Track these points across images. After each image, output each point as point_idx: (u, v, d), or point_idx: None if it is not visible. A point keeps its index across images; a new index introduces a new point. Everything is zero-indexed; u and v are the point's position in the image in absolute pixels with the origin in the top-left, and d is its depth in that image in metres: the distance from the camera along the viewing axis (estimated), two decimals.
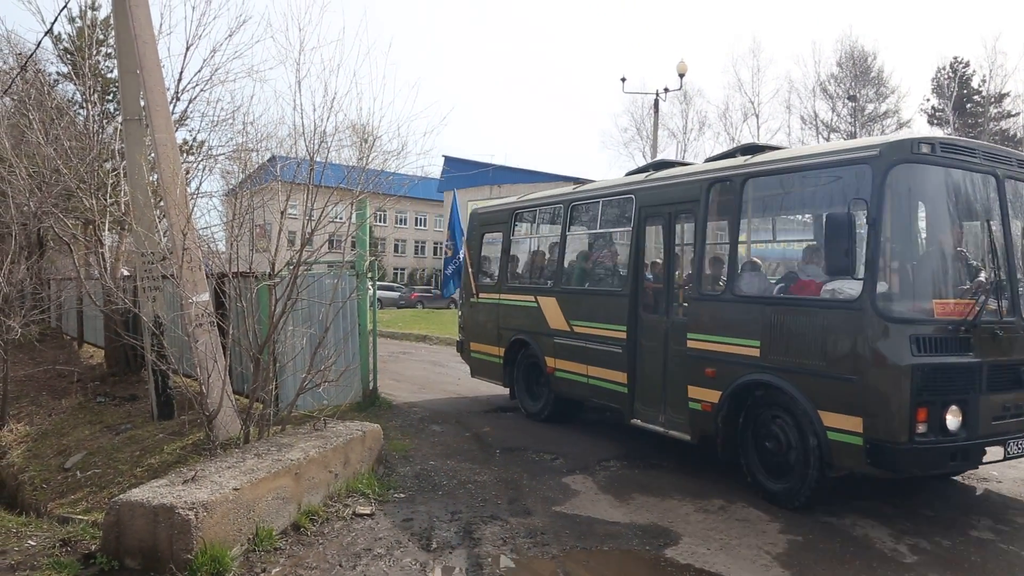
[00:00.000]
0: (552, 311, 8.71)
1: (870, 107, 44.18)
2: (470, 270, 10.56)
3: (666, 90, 30.63)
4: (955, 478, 6.94)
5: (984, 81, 42.64)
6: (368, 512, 5.78)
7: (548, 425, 9.13)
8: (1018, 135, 40.52)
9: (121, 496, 4.84)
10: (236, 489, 4.88)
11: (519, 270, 9.99)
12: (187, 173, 13.02)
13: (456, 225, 13.49)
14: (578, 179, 44.22)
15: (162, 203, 8.92)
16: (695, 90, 67.66)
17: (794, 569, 4.84)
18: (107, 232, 11.89)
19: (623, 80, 31.92)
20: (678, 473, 7.11)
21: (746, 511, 5.98)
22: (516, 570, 4.78)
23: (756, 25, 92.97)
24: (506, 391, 10.15)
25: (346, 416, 8.63)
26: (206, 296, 7.77)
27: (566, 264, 8.90)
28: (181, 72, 13.28)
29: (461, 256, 11.41)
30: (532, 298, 9.12)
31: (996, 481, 6.97)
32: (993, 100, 41.57)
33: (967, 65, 46.07)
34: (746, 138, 50.95)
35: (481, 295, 10.29)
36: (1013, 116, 41.97)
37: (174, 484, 4.93)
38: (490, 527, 5.52)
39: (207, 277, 8.04)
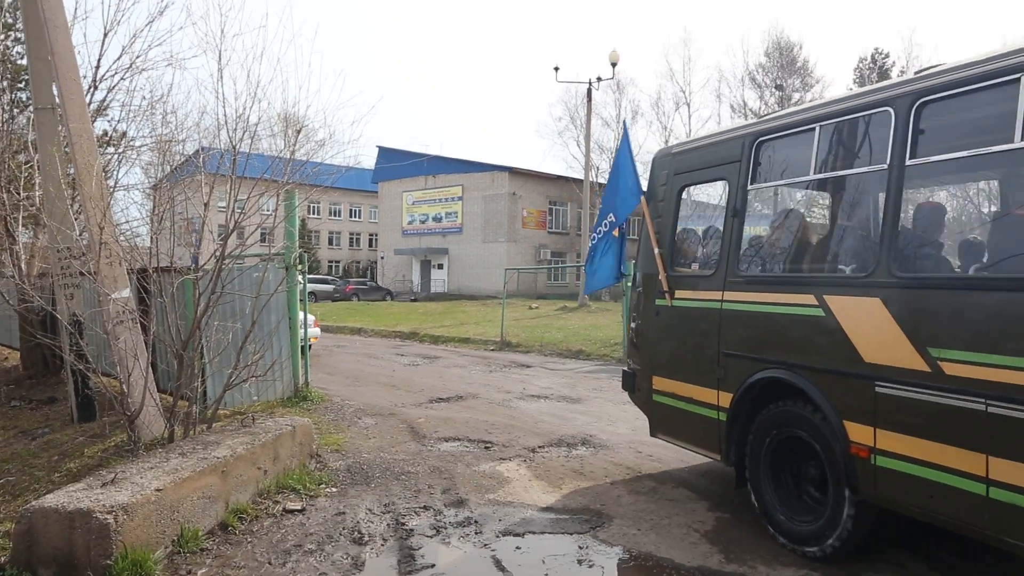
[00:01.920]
0: (872, 326, 4.31)
1: (796, 96, 45.43)
2: (657, 251, 6.16)
3: (599, 79, 30.96)
4: None
5: (902, 72, 44.29)
6: (299, 508, 5.70)
7: (483, 414, 9.12)
8: None
9: (34, 503, 4.63)
10: (159, 490, 4.74)
11: (771, 247, 5.64)
12: (107, 165, 12.54)
13: (624, 172, 6.64)
14: (514, 168, 44.50)
15: (79, 196, 8.57)
16: (628, 79, 68.67)
17: (721, 544, 4.97)
18: (21, 228, 11.36)
19: (556, 69, 32.30)
20: (610, 459, 7.21)
21: (676, 491, 6.11)
22: (448, 560, 4.77)
23: (687, 16, 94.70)
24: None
25: (277, 411, 8.50)
26: (127, 292, 7.50)
27: (918, 225, 4.66)
28: (99, 59, 12.72)
29: (626, 226, 6.71)
30: (811, 299, 4.68)
31: None
32: None
33: (887, 56, 47.90)
34: (679, 128, 51.87)
35: (679, 293, 5.96)
36: None
37: (92, 488, 4.75)
38: (423, 518, 5.51)
39: (128, 273, 7.76)
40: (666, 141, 47.22)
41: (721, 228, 5.69)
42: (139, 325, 7.35)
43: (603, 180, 45.20)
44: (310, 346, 15.17)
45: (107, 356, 7.63)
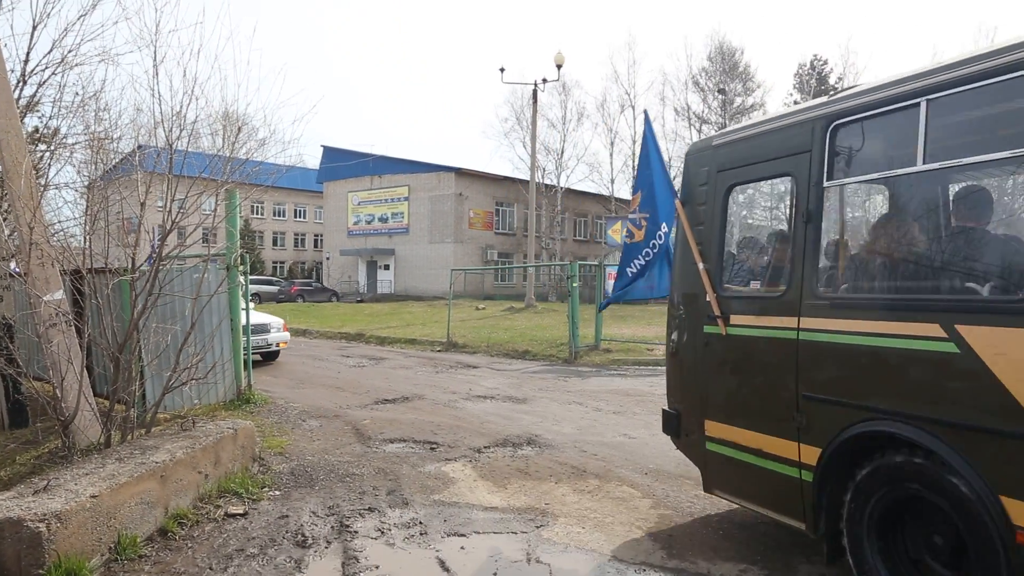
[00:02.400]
0: None
1: (738, 100, 46.49)
2: (701, 266, 5.03)
3: (544, 80, 31.18)
4: None
5: (840, 78, 45.71)
6: (241, 512, 5.62)
7: (428, 415, 9.12)
8: None
9: None
10: (94, 496, 4.63)
11: (865, 260, 4.45)
12: (38, 163, 12.12)
13: (655, 172, 5.59)
14: (460, 169, 44.47)
15: (7, 195, 8.28)
16: (573, 81, 69.37)
17: (663, 541, 5.08)
18: None
19: (502, 70, 32.41)
20: (555, 458, 7.30)
21: (620, 489, 6.22)
22: (392, 561, 4.77)
23: (632, 18, 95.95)
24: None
25: (219, 415, 8.35)
26: (60, 294, 7.26)
27: None
28: (28, 53, 12.27)
29: (663, 233, 5.52)
30: (935, 330, 3.51)
31: None
32: None
33: (825, 63, 49.32)
34: (624, 130, 52.53)
35: (735, 319, 4.79)
36: None
37: (23, 496, 4.61)
38: (367, 520, 5.49)
39: (61, 274, 7.53)
40: (611, 143, 47.77)
41: (789, 235, 4.51)
42: (73, 328, 7.14)
43: (549, 181, 45.62)
44: (278, 352, 15.06)
45: (39, 360, 7.39)
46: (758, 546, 4.97)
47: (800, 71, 49.68)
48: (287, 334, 15.40)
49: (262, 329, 14.31)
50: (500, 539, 5.16)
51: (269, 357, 15.00)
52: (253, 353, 13.37)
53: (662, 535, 5.19)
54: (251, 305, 16.06)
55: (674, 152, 56.77)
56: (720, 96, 45.69)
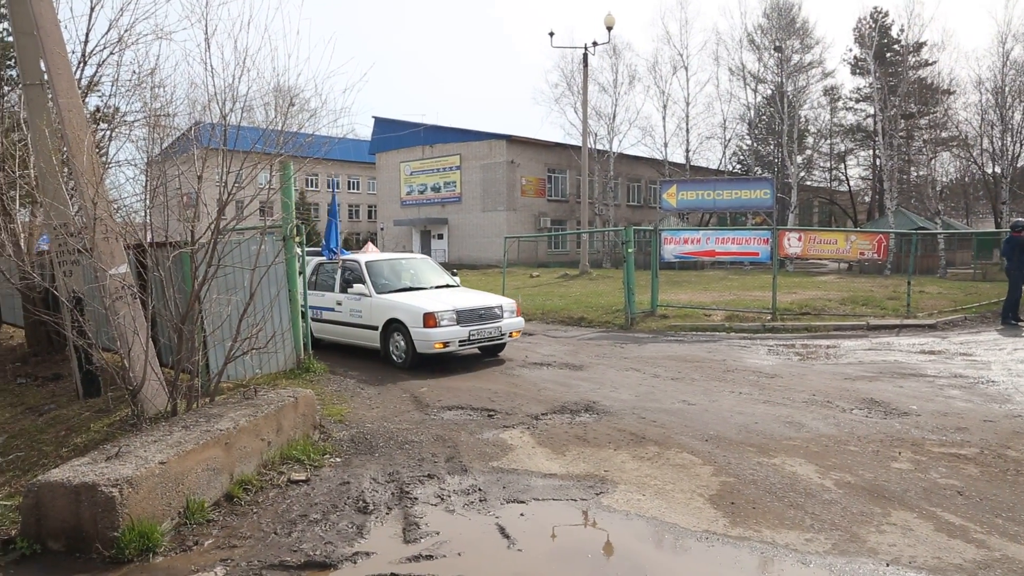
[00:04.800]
0: None
1: (795, 58, 44.83)
2: None
3: (595, 44, 30.51)
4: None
5: (903, 30, 43.66)
6: (303, 478, 5.72)
7: (485, 382, 9.14)
8: (934, 83, 41.78)
9: (40, 477, 4.66)
10: (163, 463, 4.75)
11: None
12: (100, 141, 12.41)
13: None
14: (511, 136, 44.17)
15: (72, 173, 8.50)
16: (624, 44, 68.03)
17: (726, 508, 4.99)
18: (18, 207, 11.28)
19: (551, 35, 31.73)
20: (614, 425, 7.23)
21: (680, 456, 6.12)
22: (452, 528, 4.79)
23: None
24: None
25: (279, 383, 8.51)
26: (124, 268, 7.46)
27: None
28: (87, 34, 12.56)
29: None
30: None
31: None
32: (911, 49, 42.64)
33: (886, 15, 47.07)
34: (676, 92, 51.35)
35: None
36: (930, 64, 43.19)
37: (96, 462, 4.77)
38: (427, 486, 5.53)
39: (125, 248, 7.72)
40: (664, 106, 46.76)
41: None
42: (138, 300, 7.33)
43: (601, 146, 44.94)
44: (505, 344, 11.35)
45: (107, 332, 7.62)
46: (826, 515, 4.84)
47: (860, 25, 47.56)
48: (521, 320, 11.43)
49: (490, 315, 10.61)
50: (559, 506, 5.13)
51: (495, 351, 11.61)
52: (477, 346, 10.83)
53: (724, 503, 5.10)
54: (456, 280, 12.51)
55: (729, 114, 55.39)
56: (777, 54, 44.12)
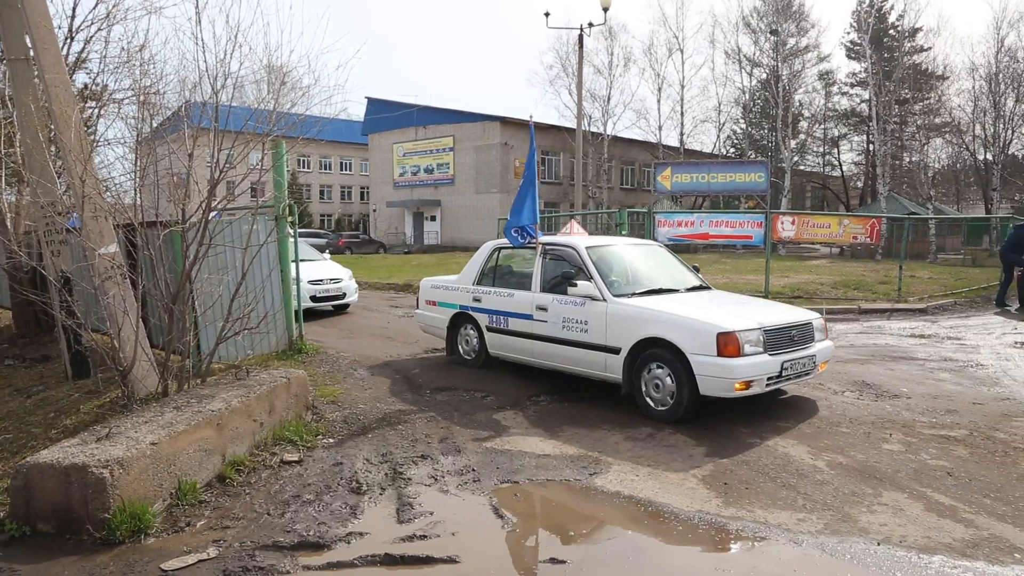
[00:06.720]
0: None
1: (791, 41, 44.68)
2: None
3: (590, 25, 30.28)
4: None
5: (901, 16, 43.54)
6: (296, 459, 5.70)
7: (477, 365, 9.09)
8: (929, 69, 41.72)
9: (28, 459, 4.61)
10: (154, 444, 4.72)
11: None
12: (89, 119, 12.27)
13: None
14: (505, 118, 43.95)
15: (60, 151, 8.39)
16: (620, 25, 67.69)
17: (719, 489, 5.00)
18: (3, 185, 11.14)
19: (547, 15, 31.49)
20: (606, 405, 7.22)
21: (673, 437, 6.13)
22: (446, 508, 4.79)
23: None
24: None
25: (271, 364, 8.48)
26: (114, 247, 7.38)
27: None
28: (74, 9, 12.47)
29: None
30: None
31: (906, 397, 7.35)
32: (907, 35, 42.54)
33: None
34: (672, 75, 51.11)
35: None
36: (925, 50, 43.12)
37: (86, 443, 4.73)
38: (420, 467, 5.52)
39: (115, 228, 7.64)
40: (659, 89, 46.60)
41: None
42: (128, 280, 7.26)
43: (596, 129, 44.78)
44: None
45: (97, 312, 7.55)
46: (818, 496, 4.86)
47: (858, 8, 47.39)
48: (831, 343, 8.11)
49: (803, 336, 6.89)
50: (554, 486, 5.13)
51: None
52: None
53: (717, 483, 5.10)
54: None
55: (724, 97, 55.27)
56: (772, 38, 43.95)
